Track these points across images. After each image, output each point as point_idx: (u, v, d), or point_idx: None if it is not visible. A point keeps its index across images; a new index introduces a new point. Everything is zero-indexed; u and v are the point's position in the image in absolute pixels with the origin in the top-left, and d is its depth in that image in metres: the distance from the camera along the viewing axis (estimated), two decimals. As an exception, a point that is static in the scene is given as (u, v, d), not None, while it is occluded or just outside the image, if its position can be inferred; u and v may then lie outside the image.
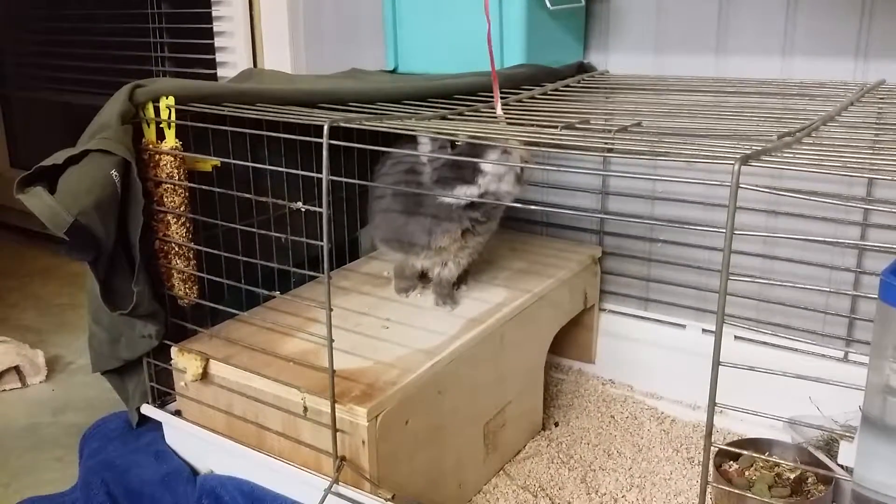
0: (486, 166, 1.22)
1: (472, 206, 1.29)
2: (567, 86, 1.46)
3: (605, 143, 0.89)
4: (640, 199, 1.69)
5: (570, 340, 1.78)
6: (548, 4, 1.50)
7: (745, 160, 0.74)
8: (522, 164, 1.22)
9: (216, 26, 2.17)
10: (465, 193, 1.25)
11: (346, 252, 1.67)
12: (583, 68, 1.63)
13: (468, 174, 1.23)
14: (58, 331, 2.19)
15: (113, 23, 2.45)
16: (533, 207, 1.78)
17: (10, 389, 1.87)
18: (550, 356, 1.60)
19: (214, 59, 2.18)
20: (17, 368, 1.88)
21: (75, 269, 2.61)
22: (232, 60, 2.15)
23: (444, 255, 1.36)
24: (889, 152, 0.85)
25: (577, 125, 1.04)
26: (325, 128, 0.99)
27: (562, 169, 1.73)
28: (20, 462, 1.57)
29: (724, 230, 0.76)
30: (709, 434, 0.84)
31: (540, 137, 0.95)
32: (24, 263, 2.74)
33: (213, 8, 2.15)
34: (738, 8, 1.52)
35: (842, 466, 1.28)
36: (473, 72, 1.42)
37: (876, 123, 1.05)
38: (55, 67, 2.73)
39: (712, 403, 0.83)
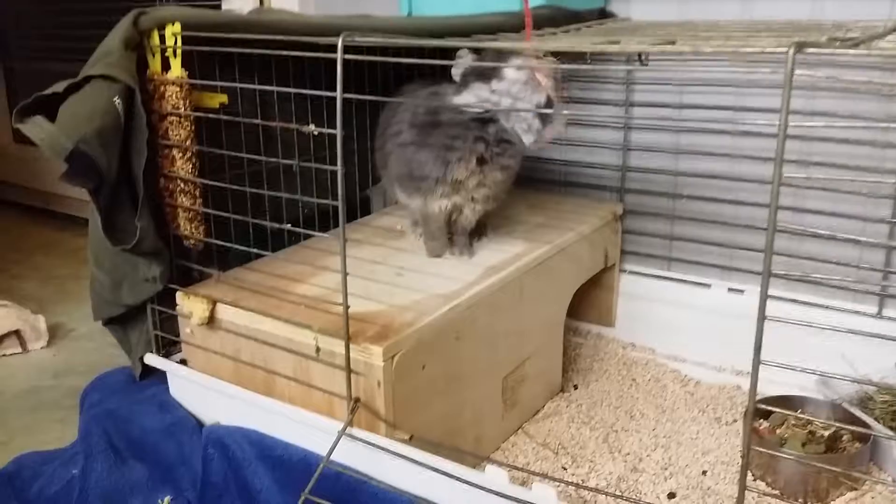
0: (507, 71, 1.17)
1: (484, 123, 1.22)
2: (589, 27, 1.40)
3: (640, 49, 0.82)
4: (663, 155, 1.63)
5: (589, 303, 1.72)
6: (569, -55, 1.44)
7: (800, 46, 0.67)
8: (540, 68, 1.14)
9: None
10: (478, 94, 1.19)
11: (358, 209, 1.61)
12: (604, 14, 1.58)
13: (488, 72, 1.18)
14: (60, 300, 2.14)
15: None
16: (558, 147, 1.73)
17: (11, 354, 1.81)
18: (569, 320, 1.54)
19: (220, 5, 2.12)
20: (17, 333, 1.83)
21: (78, 244, 2.56)
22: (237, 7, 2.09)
23: (462, 192, 1.29)
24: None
25: (607, 43, 0.97)
26: (340, 42, 0.93)
27: (588, 87, 1.66)
28: (20, 422, 1.52)
29: (776, 123, 0.70)
30: (753, 387, 0.78)
31: (572, 47, 0.89)
32: (27, 238, 2.68)
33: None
34: (766, -53, 1.46)
35: None
36: (494, 12, 1.36)
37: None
38: (60, 37, 2.68)
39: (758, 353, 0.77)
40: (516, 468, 1.26)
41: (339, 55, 0.94)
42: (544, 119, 1.20)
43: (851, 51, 0.76)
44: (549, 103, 1.18)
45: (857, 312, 1.46)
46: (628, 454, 1.33)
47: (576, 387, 1.54)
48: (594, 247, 1.56)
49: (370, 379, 1.05)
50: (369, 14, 1.54)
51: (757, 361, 0.77)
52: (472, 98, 1.20)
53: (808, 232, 0.85)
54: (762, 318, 0.76)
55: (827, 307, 1.48)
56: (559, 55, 1.01)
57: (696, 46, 0.78)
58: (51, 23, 2.75)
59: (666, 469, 1.29)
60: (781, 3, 1.46)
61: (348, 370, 1.04)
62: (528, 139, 1.21)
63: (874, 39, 0.98)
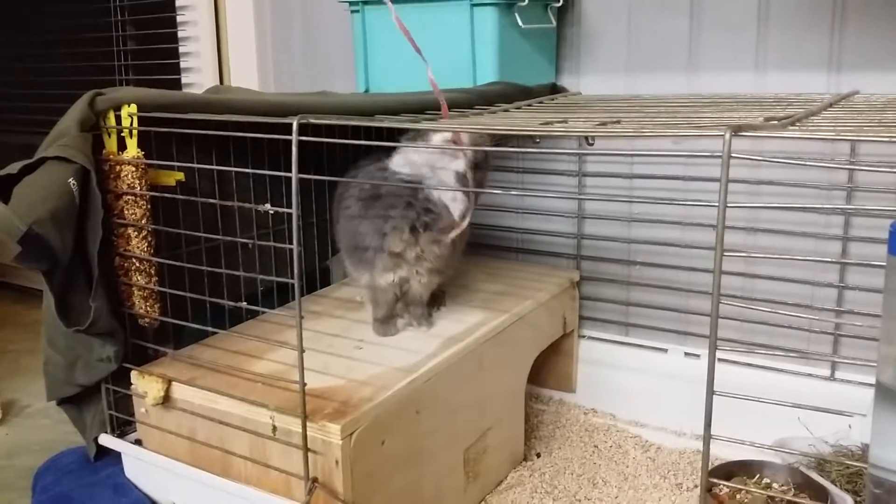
0: (434, 137, 1.22)
1: (414, 191, 1.24)
2: (541, 102, 1.44)
3: (585, 132, 0.85)
4: (617, 223, 1.66)
5: (549, 369, 1.73)
6: (520, 23, 1.49)
7: (736, 129, 0.70)
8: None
9: (183, 62, 2.15)
10: (407, 157, 1.24)
11: (317, 280, 1.62)
12: (555, 89, 1.62)
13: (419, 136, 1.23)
14: (13, 376, 2.09)
15: (75, 62, 2.42)
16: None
17: (-39, 434, 1.76)
18: (530, 387, 1.54)
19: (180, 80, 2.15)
20: (-32, 412, 1.78)
21: (35, 317, 2.52)
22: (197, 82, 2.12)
23: (404, 265, 1.30)
24: (874, 129, 0.82)
25: (556, 122, 1.01)
26: (295, 124, 0.95)
27: (543, 157, 1.71)
28: (-32, 507, 1.47)
29: (716, 204, 0.72)
30: (705, 463, 0.79)
31: (520, 130, 0.91)
32: (-20, 311, 2.64)
33: (179, 43, 2.13)
34: (709, 25, 1.52)
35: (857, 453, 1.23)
36: (448, 88, 1.39)
37: (857, 118, 1.03)
38: (14, 109, 2.68)
39: (708, 429, 0.78)
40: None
41: (293, 137, 0.96)
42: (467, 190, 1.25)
43: (787, 133, 0.80)
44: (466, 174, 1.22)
45: (810, 375, 1.48)
46: (591, 524, 1.32)
47: (538, 455, 1.54)
48: (553, 314, 1.58)
49: (328, 457, 1.04)
50: (327, 90, 1.57)
51: (707, 436, 0.78)
52: (402, 160, 1.23)
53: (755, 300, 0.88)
54: (710, 392, 0.78)
55: (780, 370, 1.51)
56: (509, 138, 1.04)
57: (637, 129, 0.80)
58: (4, 94, 2.75)
59: (629, 538, 1.29)
60: (726, 76, 1.52)
61: (305, 449, 1.03)
62: (455, 208, 1.24)
63: (810, 116, 1.03)
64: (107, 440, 1.26)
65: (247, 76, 2.06)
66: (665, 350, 1.65)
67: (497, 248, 1.83)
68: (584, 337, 1.73)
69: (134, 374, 1.21)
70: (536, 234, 1.78)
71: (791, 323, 1.48)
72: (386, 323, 1.36)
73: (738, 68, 1.50)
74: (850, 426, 1.41)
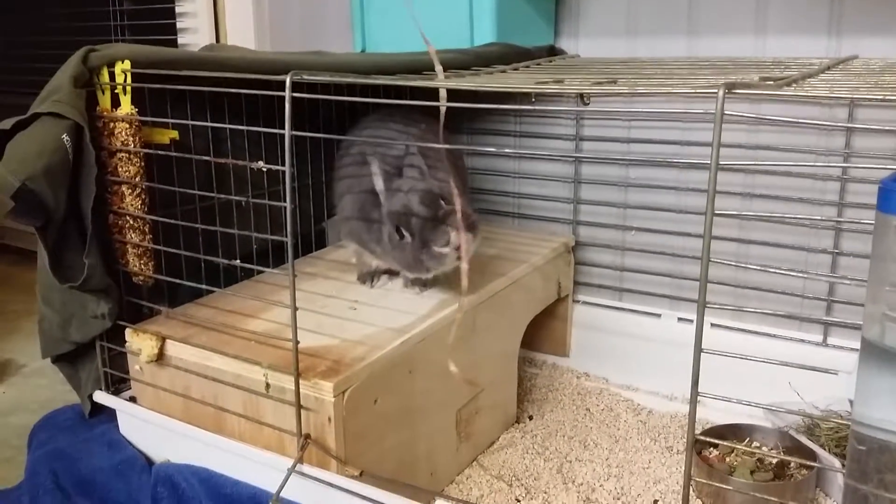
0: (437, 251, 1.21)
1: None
2: (538, 64, 1.43)
3: (580, 90, 0.85)
4: (614, 187, 1.66)
5: (543, 334, 1.74)
6: (518, -17, 1.48)
7: (730, 87, 0.70)
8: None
9: (179, 22, 2.12)
10: (410, 277, 1.32)
11: (313, 242, 1.62)
12: (553, 51, 1.61)
13: (418, 256, 1.22)
14: (10, 336, 2.10)
15: (71, 22, 2.39)
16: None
17: (-41, 393, 1.77)
18: (524, 351, 1.55)
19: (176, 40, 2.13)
20: (-35, 371, 1.79)
21: (33, 278, 2.51)
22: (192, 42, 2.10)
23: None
24: (870, 90, 0.82)
25: (551, 82, 1.00)
26: (288, 80, 0.95)
27: (540, 121, 1.72)
28: (-34, 463, 1.48)
29: (708, 163, 0.72)
30: (692, 421, 0.80)
31: (515, 89, 0.91)
32: (-22, 272, 2.64)
33: (175, 3, 2.10)
34: (710, -13, 1.51)
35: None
36: (445, 49, 1.38)
37: (854, 80, 1.03)
38: (7, 69, 2.66)
39: (695, 387, 0.78)
40: (467, 503, 1.26)
41: (287, 93, 0.95)
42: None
43: (780, 91, 0.79)
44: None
45: (802, 341, 1.49)
46: (581, 484, 1.34)
47: (531, 417, 1.55)
48: (547, 278, 1.58)
49: (321, 415, 1.05)
50: (323, 50, 1.56)
51: (695, 394, 0.79)
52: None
53: (744, 264, 0.88)
54: (699, 351, 0.78)
55: (772, 335, 1.52)
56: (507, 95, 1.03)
57: (631, 87, 0.80)
58: (4, 55, 2.73)
59: (618, 499, 1.30)
60: (725, 39, 1.51)
61: (298, 406, 1.04)
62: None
63: (807, 78, 1.02)
64: (101, 397, 1.27)
65: (243, 37, 2.03)
66: (658, 315, 1.66)
67: (493, 213, 1.83)
68: (578, 301, 1.74)
69: (128, 332, 1.21)
70: (533, 199, 1.78)
71: (784, 287, 1.49)
72: (365, 274, 1.41)
73: (737, 32, 1.49)
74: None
